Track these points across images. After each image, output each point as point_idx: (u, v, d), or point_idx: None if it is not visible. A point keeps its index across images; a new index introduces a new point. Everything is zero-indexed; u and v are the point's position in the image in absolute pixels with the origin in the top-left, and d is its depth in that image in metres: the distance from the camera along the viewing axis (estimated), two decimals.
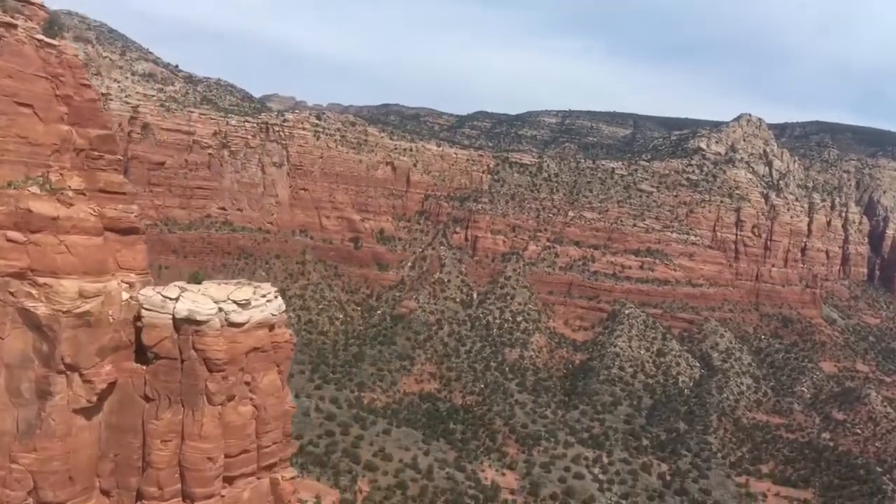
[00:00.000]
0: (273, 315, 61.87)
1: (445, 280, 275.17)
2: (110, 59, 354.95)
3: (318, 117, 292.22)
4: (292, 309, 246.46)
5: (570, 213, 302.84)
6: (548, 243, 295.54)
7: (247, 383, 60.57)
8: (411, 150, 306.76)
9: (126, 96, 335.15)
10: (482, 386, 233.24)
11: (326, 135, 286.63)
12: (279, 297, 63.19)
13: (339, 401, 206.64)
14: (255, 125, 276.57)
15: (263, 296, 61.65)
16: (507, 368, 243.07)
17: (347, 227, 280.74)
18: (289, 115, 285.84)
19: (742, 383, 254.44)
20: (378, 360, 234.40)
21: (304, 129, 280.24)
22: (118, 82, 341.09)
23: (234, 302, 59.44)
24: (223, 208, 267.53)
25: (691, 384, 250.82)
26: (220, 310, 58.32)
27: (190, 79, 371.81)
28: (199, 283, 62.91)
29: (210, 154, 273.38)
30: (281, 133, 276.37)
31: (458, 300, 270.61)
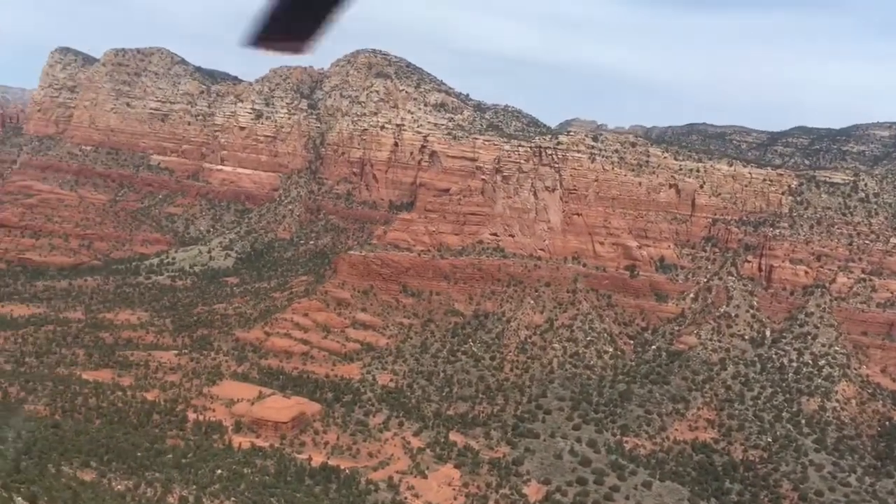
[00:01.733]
0: None
1: (733, 314, 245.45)
2: (406, 92, 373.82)
3: (595, 139, 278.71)
4: (558, 340, 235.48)
5: (893, 240, 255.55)
6: (863, 275, 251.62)
7: None
8: (698, 170, 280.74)
9: (418, 126, 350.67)
10: (769, 440, 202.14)
11: (603, 157, 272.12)
12: None
13: (597, 444, 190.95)
14: (528, 149, 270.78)
15: None
16: (802, 421, 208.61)
17: (623, 254, 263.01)
18: (562, 138, 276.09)
19: None
20: (647, 400, 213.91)
21: (578, 151, 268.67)
22: (412, 113, 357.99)
23: None
24: (495, 234, 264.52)
25: None
26: None
27: (478, 106, 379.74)
28: None
29: (484, 179, 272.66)
30: (554, 156, 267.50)
31: (746, 338, 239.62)
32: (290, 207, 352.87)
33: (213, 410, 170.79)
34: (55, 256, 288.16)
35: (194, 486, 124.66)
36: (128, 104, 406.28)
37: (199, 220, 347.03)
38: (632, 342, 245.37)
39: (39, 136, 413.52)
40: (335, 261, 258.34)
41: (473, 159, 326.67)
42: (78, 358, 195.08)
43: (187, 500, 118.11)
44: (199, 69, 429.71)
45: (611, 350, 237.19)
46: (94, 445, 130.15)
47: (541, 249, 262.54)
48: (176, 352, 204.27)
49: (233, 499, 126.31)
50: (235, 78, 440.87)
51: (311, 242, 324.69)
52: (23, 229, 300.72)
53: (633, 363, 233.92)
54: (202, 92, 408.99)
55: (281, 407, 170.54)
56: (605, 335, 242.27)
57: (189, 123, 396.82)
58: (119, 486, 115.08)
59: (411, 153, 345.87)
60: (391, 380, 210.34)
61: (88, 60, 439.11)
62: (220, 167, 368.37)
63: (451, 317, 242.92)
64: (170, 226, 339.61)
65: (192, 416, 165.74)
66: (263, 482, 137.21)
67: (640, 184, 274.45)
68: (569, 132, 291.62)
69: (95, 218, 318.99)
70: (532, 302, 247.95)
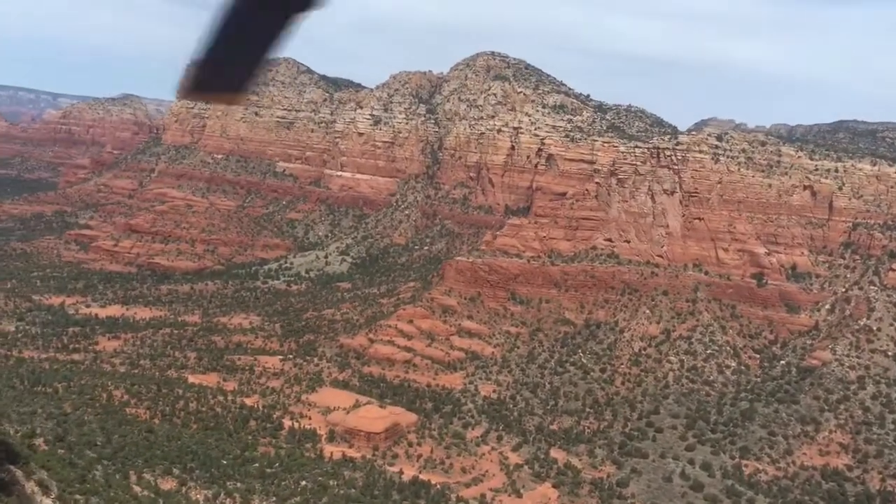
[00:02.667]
0: None
1: (874, 328, 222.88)
2: (524, 94, 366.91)
3: (720, 138, 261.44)
4: (675, 353, 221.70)
5: None
6: None
7: None
8: (836, 170, 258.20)
9: (535, 129, 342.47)
10: None
11: (728, 157, 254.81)
12: None
13: (711, 467, 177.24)
14: (644, 150, 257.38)
15: None
16: None
17: (749, 262, 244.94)
18: (682, 138, 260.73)
19: None
20: (772, 421, 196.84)
21: (700, 151, 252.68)
22: (529, 115, 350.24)
23: None
24: (609, 240, 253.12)
25: None
26: None
27: (600, 107, 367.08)
28: None
29: (598, 183, 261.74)
30: (673, 157, 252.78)
31: (890, 354, 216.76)
32: (407, 213, 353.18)
33: (310, 418, 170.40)
34: (181, 261, 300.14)
35: (274, 498, 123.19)
36: (256, 113, 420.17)
37: (319, 225, 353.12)
38: (758, 357, 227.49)
39: (176, 146, 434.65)
40: (442, 267, 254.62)
41: (591, 162, 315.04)
42: (189, 361, 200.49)
43: None
44: (323, 77, 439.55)
45: (733, 365, 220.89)
46: (181, 452, 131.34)
47: (658, 256, 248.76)
48: (281, 357, 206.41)
49: None
50: (358, 85, 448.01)
51: (426, 248, 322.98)
52: (153, 235, 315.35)
53: (759, 379, 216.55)
54: (325, 100, 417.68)
55: (374, 417, 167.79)
56: (728, 348, 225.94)
57: (312, 131, 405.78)
58: (198, 496, 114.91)
59: (528, 156, 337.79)
60: (494, 391, 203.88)
61: None
62: (339, 173, 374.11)
63: (561, 326, 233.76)
64: (290, 231, 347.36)
65: (287, 423, 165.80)
66: (348, 496, 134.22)
67: (769, 185, 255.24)
68: (691, 132, 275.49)
69: (220, 224, 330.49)
70: (648, 311, 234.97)
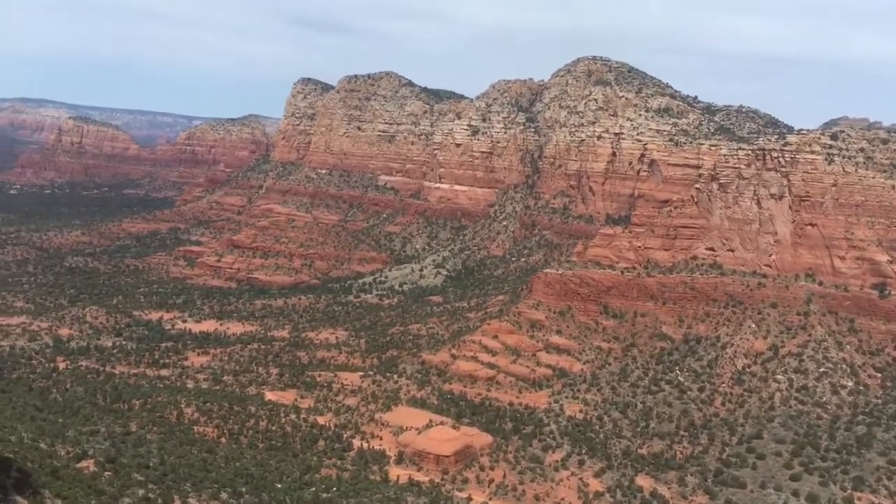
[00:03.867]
0: None
1: None
2: (626, 99, 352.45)
3: (834, 137, 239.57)
4: (783, 371, 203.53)
5: None
6: None
7: None
8: None
9: (637, 134, 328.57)
10: None
11: (843, 157, 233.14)
12: None
13: (819, 500, 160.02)
14: (749, 153, 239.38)
15: None
16: None
17: (870, 271, 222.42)
18: (791, 138, 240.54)
19: None
20: (893, 448, 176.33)
21: (811, 152, 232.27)
22: (631, 120, 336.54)
23: None
24: (711, 249, 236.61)
25: None
26: None
27: (708, 109, 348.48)
28: None
29: (698, 188, 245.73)
30: (780, 159, 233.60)
31: None
32: (505, 223, 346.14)
33: (381, 438, 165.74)
34: (278, 276, 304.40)
35: None
36: (358, 128, 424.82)
37: (416, 238, 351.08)
38: (879, 376, 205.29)
39: (283, 163, 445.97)
40: (531, 280, 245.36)
41: (697, 167, 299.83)
42: (270, 377, 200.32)
43: None
44: (424, 90, 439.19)
45: (850, 384, 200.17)
46: (237, 474, 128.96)
47: (766, 265, 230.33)
48: (362, 373, 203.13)
49: None
50: (460, 96, 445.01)
51: (523, 259, 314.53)
52: (254, 250, 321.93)
53: (879, 401, 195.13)
54: (425, 112, 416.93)
55: (445, 439, 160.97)
56: (844, 366, 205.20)
57: (412, 143, 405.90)
58: None
59: (630, 163, 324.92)
60: (580, 410, 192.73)
61: (326, 89, 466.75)
62: (437, 185, 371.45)
63: (657, 341, 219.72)
64: (388, 244, 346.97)
65: (357, 443, 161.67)
66: None
67: (893, 187, 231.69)
68: (800, 131, 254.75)
69: (318, 238, 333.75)
70: (753, 325, 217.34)
